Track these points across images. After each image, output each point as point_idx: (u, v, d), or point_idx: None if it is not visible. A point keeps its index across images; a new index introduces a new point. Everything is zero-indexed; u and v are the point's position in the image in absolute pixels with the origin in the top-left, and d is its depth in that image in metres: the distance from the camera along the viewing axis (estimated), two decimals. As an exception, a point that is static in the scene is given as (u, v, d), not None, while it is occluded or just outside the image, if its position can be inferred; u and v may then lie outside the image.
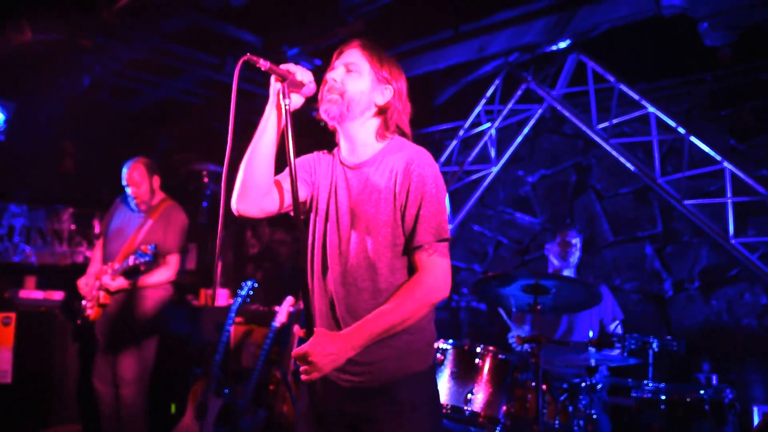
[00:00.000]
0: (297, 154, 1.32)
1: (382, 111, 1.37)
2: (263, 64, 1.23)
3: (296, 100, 1.30)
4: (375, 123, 1.37)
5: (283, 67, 1.27)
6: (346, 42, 1.38)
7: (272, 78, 1.28)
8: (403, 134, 1.41)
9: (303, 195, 1.37)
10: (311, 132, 1.57)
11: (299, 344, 1.32)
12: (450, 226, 2.91)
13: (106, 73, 3.50)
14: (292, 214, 1.41)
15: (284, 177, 1.38)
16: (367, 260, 1.30)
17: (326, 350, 1.17)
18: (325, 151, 1.46)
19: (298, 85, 1.28)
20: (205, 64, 3.37)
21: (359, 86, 1.33)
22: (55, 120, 3.94)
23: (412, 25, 3.05)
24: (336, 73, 1.33)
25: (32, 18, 2.85)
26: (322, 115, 1.34)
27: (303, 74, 1.28)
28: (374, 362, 1.25)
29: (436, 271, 1.27)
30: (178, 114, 4.36)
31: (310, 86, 1.30)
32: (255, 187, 1.31)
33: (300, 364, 1.19)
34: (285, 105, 1.26)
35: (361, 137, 1.37)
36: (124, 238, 2.91)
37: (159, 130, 4.59)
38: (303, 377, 1.18)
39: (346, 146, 1.39)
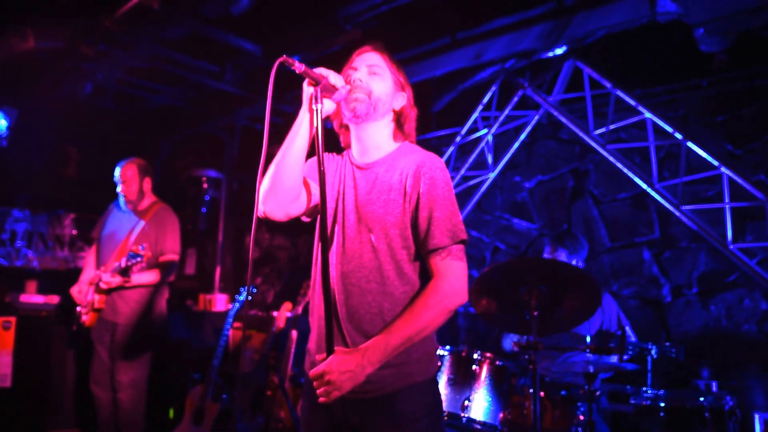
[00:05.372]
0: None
1: (397, 115, 1.39)
2: (298, 66, 1.20)
3: (328, 105, 1.28)
4: (390, 127, 1.39)
5: (317, 71, 1.24)
6: (361, 45, 1.39)
7: (305, 82, 1.25)
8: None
9: (315, 197, 1.37)
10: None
11: (309, 364, 1.28)
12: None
13: (108, 79, 3.54)
14: (305, 219, 1.41)
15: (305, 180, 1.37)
16: (372, 261, 1.27)
17: (344, 368, 1.14)
18: (334, 153, 1.45)
19: (330, 90, 1.26)
20: (206, 71, 3.41)
21: (384, 89, 1.34)
22: (57, 126, 3.98)
23: (409, 33, 3.08)
24: (360, 74, 1.33)
25: (35, 25, 2.90)
26: (347, 114, 1.33)
27: (336, 79, 1.26)
28: (374, 372, 1.20)
29: (451, 276, 1.24)
30: (179, 120, 4.40)
31: (342, 91, 1.28)
32: (284, 190, 1.28)
33: (318, 385, 1.15)
34: (317, 109, 1.23)
35: (375, 139, 1.37)
36: (116, 242, 2.93)
37: (161, 137, 4.63)
38: (321, 399, 1.14)
39: (358, 148, 1.39)
